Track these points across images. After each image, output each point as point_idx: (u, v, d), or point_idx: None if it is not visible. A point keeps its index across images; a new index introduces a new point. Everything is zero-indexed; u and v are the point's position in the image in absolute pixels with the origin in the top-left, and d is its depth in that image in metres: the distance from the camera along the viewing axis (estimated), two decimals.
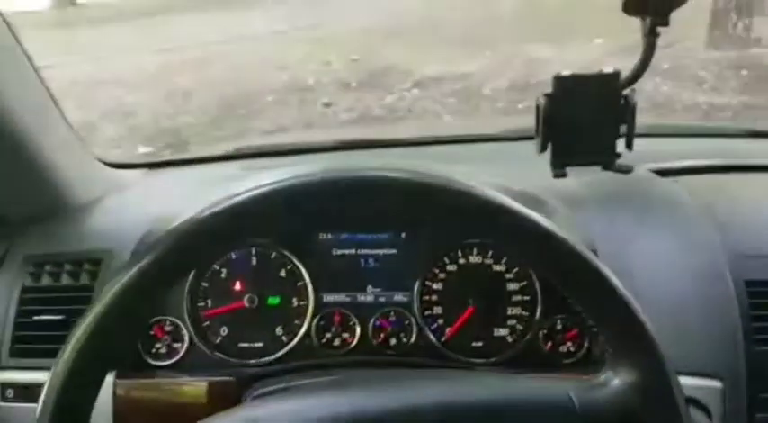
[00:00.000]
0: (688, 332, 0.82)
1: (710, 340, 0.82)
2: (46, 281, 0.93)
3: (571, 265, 0.54)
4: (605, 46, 5.54)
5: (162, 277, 0.52)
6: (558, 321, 0.94)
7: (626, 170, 0.99)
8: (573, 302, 0.56)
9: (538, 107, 0.96)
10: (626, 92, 0.95)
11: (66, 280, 0.93)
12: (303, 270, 0.96)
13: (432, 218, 0.55)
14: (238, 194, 0.52)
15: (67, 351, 0.50)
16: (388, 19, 7.90)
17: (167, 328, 0.95)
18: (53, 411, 0.51)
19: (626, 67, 0.96)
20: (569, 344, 0.93)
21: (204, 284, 0.96)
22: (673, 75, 5.21)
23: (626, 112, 0.95)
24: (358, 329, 0.96)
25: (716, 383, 0.80)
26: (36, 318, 0.90)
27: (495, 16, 7.59)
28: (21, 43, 0.93)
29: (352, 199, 0.53)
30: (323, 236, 0.97)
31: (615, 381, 0.55)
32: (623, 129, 0.96)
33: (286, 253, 0.96)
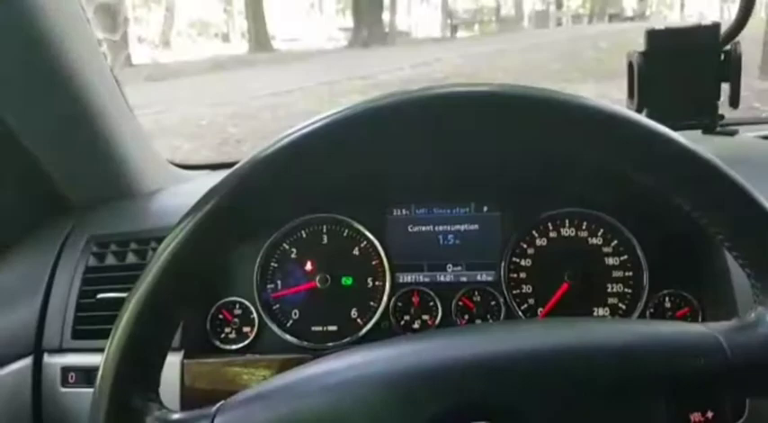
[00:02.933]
0: None
1: None
2: (110, 260, 0.88)
3: (719, 188, 0.45)
4: None
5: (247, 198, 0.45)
6: (667, 299, 0.84)
7: (731, 133, 0.90)
8: (718, 231, 0.47)
9: (631, 65, 0.88)
10: (727, 47, 0.88)
11: (131, 259, 0.88)
12: (378, 248, 0.89)
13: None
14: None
15: (138, 291, 0.45)
16: (432, 71, 8.03)
17: (236, 312, 0.89)
18: (123, 352, 0.44)
19: None
20: None
21: (274, 265, 0.90)
22: (728, 109, 5.08)
23: (729, 67, 0.87)
24: (439, 311, 0.88)
25: None
26: (100, 296, 0.84)
27: (538, 64, 7.65)
28: (99, 43, 0.93)
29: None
30: (397, 212, 0.91)
31: None
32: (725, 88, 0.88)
33: (359, 229, 0.89)
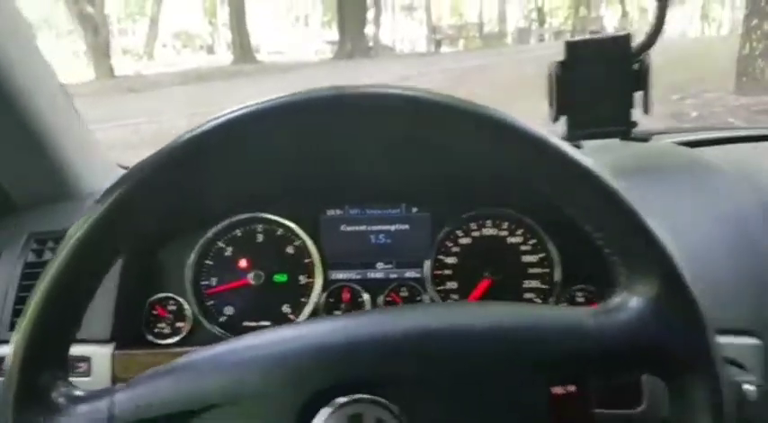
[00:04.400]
0: (726, 291, 0.75)
1: (748, 298, 0.75)
2: (48, 256, 0.91)
3: (573, 179, 0.49)
4: None
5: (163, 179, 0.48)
6: (579, 293, 0.88)
7: (644, 138, 0.95)
8: (585, 223, 0.51)
9: (550, 75, 0.93)
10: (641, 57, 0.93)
11: None
12: (311, 246, 0.93)
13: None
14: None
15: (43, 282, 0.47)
16: (414, 85, 8.12)
17: (170, 308, 0.92)
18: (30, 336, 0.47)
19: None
20: None
21: (208, 262, 0.93)
22: (703, 122, 5.17)
23: (639, 76, 0.92)
24: (368, 306, 0.92)
25: (755, 341, 0.73)
26: None
27: (519, 78, 7.75)
28: (37, 46, 0.97)
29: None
30: (331, 212, 0.95)
31: (632, 300, 0.49)
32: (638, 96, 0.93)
33: (293, 229, 0.93)
